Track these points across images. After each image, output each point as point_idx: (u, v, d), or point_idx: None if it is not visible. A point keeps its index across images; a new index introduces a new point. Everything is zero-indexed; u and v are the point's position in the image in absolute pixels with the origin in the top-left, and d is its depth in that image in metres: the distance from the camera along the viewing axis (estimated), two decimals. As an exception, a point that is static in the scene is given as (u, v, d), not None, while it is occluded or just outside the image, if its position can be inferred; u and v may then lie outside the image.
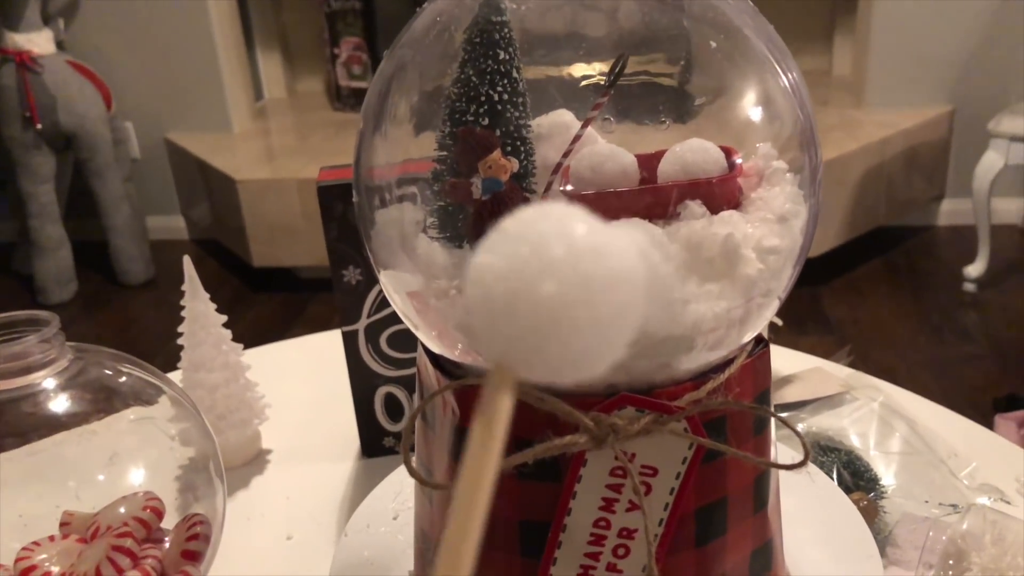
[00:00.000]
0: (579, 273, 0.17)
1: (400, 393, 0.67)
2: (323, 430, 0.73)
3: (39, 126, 2.26)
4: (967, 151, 2.38)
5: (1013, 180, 2.38)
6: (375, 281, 0.65)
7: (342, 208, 0.63)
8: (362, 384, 0.67)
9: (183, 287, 0.66)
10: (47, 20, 2.35)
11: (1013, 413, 1.54)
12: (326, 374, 0.78)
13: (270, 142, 2.65)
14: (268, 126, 2.76)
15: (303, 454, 0.71)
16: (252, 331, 2.16)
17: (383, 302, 0.65)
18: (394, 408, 0.68)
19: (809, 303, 2.18)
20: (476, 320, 0.18)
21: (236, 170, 2.34)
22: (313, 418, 0.75)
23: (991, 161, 2.13)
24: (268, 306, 2.36)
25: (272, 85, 2.94)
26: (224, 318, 0.68)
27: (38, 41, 2.27)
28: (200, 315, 0.67)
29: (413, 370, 0.67)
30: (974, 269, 2.20)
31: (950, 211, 2.55)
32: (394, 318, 0.66)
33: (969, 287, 2.20)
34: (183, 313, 0.67)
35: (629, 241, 0.18)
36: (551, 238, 0.17)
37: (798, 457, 0.51)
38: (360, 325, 0.66)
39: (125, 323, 2.35)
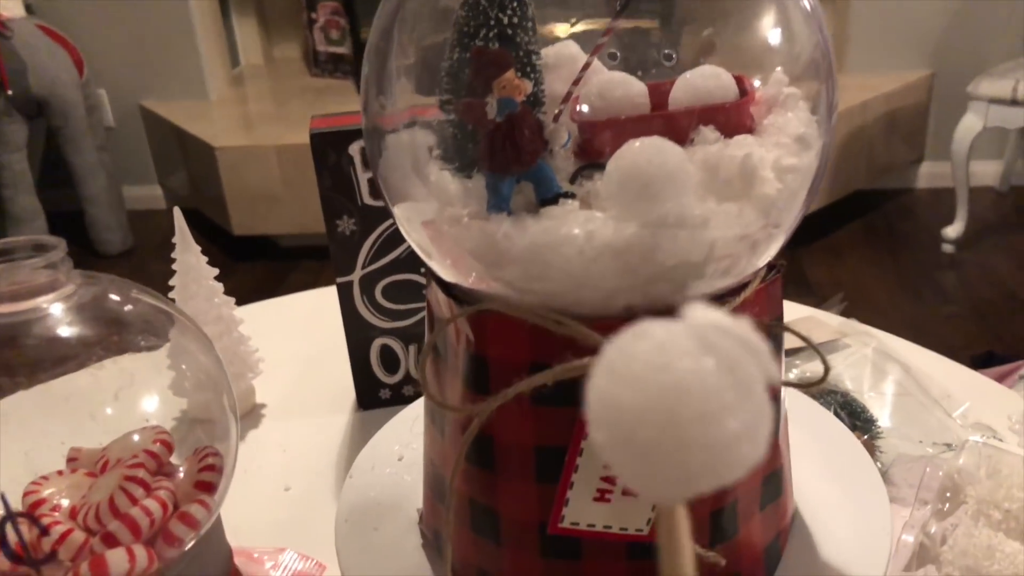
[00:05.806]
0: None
1: (396, 345, 0.67)
2: (318, 384, 0.72)
3: (9, 92, 2.21)
4: (946, 114, 2.40)
5: (991, 143, 2.40)
6: (370, 231, 0.64)
7: (335, 157, 0.62)
8: (357, 336, 0.66)
9: (173, 239, 0.65)
10: (15, -17, 2.30)
11: (991, 369, 1.56)
12: (320, 329, 0.77)
13: (247, 109, 2.61)
14: (245, 93, 2.71)
15: (299, 408, 0.70)
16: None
17: (378, 252, 0.65)
18: (390, 360, 0.67)
19: (789, 266, 2.17)
20: (620, 470, 0.19)
21: (214, 137, 2.30)
22: (308, 372, 0.75)
23: (970, 124, 2.14)
24: (250, 275, 2.34)
25: (248, 51, 2.89)
26: (216, 271, 0.68)
27: (6, 4, 2.22)
28: (191, 268, 0.66)
29: (409, 321, 0.67)
30: (952, 230, 2.22)
31: (929, 174, 2.57)
32: (389, 269, 0.65)
33: (947, 248, 2.23)
34: (174, 266, 0.66)
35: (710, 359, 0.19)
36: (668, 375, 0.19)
37: (798, 401, 0.52)
38: (355, 276, 0.65)
39: (103, 293, 2.32)
